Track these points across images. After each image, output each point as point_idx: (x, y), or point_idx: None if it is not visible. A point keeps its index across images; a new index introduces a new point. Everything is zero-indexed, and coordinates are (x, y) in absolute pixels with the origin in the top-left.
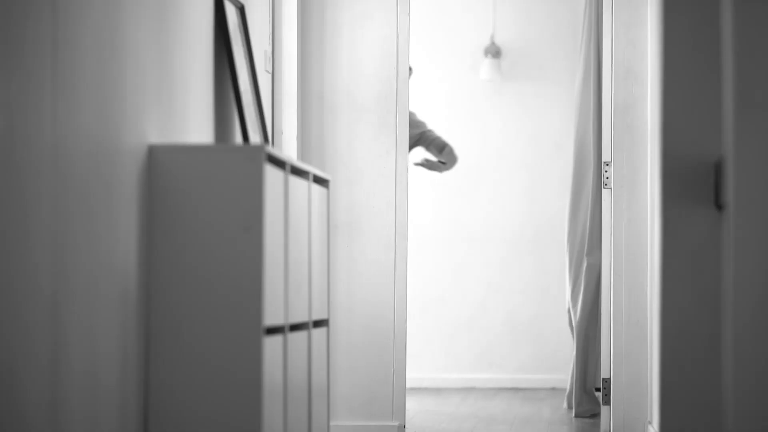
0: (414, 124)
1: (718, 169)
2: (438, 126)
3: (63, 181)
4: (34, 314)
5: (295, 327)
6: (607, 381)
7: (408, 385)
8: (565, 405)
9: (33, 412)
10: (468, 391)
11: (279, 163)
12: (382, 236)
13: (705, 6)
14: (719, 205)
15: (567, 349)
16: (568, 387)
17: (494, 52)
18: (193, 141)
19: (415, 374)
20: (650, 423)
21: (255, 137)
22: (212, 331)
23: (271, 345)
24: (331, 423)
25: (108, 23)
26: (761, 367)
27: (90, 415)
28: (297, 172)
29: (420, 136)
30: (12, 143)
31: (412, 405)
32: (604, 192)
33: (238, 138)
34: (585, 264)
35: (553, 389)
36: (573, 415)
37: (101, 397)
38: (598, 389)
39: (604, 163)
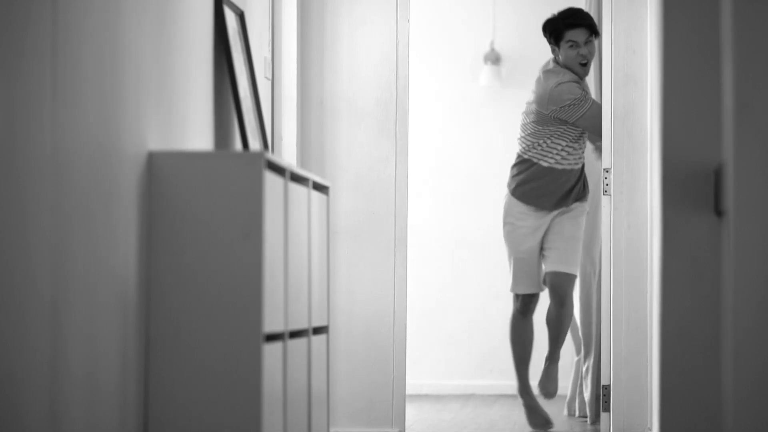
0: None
1: (717, 175)
2: (437, 132)
3: (63, 187)
4: (33, 319)
5: (295, 334)
6: (606, 387)
7: (408, 392)
8: (565, 412)
9: (33, 418)
10: (468, 397)
11: (279, 169)
12: (381, 242)
13: (705, 12)
14: (719, 212)
15: (567, 355)
16: (568, 394)
17: (494, 58)
18: (193, 147)
19: (414, 380)
20: (650, 429)
21: (254, 144)
22: (212, 337)
23: (271, 352)
24: (331, 429)
25: (108, 29)
26: (761, 373)
27: (90, 420)
28: (297, 178)
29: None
30: (12, 149)
31: (411, 411)
32: (604, 198)
33: (238, 144)
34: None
35: None
36: (589, 422)
37: (101, 403)
38: None
39: (604, 169)
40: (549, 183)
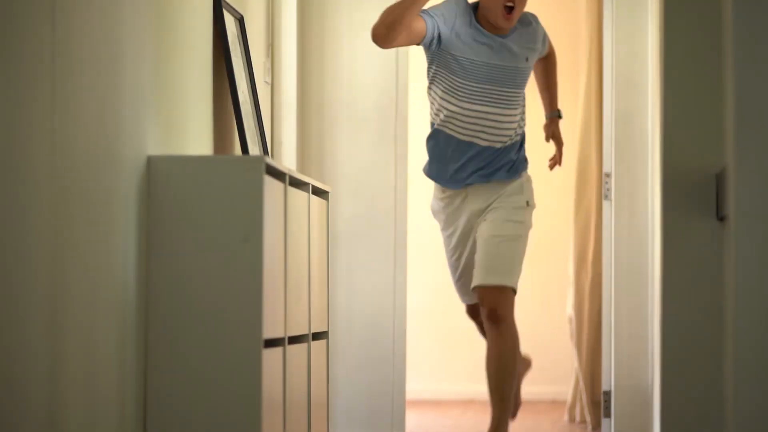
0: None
1: (719, 181)
2: None
3: (62, 192)
4: (32, 324)
5: (295, 339)
6: (608, 393)
7: (408, 397)
8: (565, 417)
9: (31, 419)
10: (468, 403)
11: (278, 174)
12: (381, 247)
13: (706, 17)
14: (720, 217)
15: (567, 360)
16: (569, 399)
17: None
18: (192, 152)
19: (414, 386)
20: None
21: (254, 148)
22: (211, 343)
23: (270, 357)
24: None
25: (107, 34)
26: (762, 378)
27: (88, 425)
28: (296, 183)
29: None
30: (11, 154)
31: (411, 417)
32: (605, 203)
33: (237, 149)
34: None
35: (553, 401)
36: (590, 428)
37: (100, 408)
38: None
39: (605, 174)
40: (451, 156)
